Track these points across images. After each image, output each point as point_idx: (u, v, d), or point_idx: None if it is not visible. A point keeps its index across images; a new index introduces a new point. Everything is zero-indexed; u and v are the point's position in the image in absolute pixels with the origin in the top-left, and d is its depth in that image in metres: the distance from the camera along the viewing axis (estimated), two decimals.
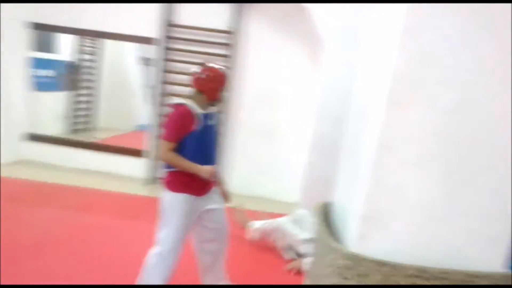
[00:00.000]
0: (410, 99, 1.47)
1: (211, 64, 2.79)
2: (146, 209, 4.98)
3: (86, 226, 4.34)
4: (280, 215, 4.68)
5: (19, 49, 6.32)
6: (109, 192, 5.54)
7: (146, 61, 9.72)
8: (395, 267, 1.49)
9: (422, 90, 1.47)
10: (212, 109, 2.84)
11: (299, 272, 3.78)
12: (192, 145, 2.67)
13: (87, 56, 8.06)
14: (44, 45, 6.99)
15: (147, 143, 6.22)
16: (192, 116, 2.64)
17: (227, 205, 3.03)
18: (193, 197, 2.73)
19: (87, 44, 7.96)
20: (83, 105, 8.21)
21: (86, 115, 8.33)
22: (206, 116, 2.73)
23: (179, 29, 5.92)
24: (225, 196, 3.03)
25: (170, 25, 5.91)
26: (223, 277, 3.05)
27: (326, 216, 2.05)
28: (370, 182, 1.55)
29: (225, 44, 5.86)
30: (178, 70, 6.00)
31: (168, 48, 5.97)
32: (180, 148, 2.66)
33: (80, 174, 6.13)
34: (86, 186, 5.62)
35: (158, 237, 2.74)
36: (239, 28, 5.83)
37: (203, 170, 2.67)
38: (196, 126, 2.65)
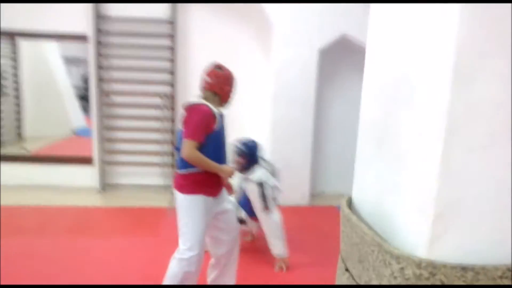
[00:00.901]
0: (477, 72, 1.26)
1: (224, 66, 2.87)
2: (106, 221, 4.58)
3: (45, 249, 3.85)
4: None
5: None
6: (60, 207, 5.01)
7: (71, 61, 9.05)
8: (481, 271, 1.29)
9: (491, 61, 1.26)
10: (222, 111, 2.85)
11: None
12: (212, 145, 2.67)
13: (4, 61, 7.25)
14: None
15: (93, 148, 5.68)
16: (213, 116, 2.65)
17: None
18: (209, 198, 2.72)
19: (3, 47, 7.15)
20: (7, 114, 7.41)
21: (12, 125, 7.54)
22: (222, 116, 2.76)
23: (112, 22, 5.41)
24: (228, 188, 3.05)
25: (101, 17, 5.38)
26: (234, 277, 3.09)
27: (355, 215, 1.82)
28: (437, 173, 1.32)
29: (166, 35, 5.45)
30: (115, 66, 5.52)
31: (101, 43, 5.45)
32: (200, 148, 2.62)
33: (24, 191, 5.51)
34: (34, 204, 5.04)
35: (185, 242, 2.67)
36: (179, 16, 5.43)
37: (224, 169, 2.73)
38: (216, 127, 2.66)
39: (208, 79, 2.79)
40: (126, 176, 5.83)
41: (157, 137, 5.66)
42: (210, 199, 2.72)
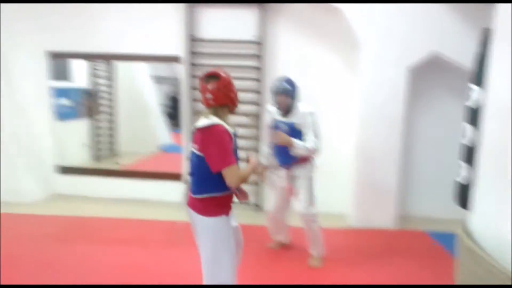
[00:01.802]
0: None
1: (218, 72, 2.64)
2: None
3: (140, 261, 4.07)
4: (327, 230, 4.59)
5: (40, 79, 6.11)
6: (151, 220, 5.27)
7: (158, 80, 9.52)
8: None
9: None
10: (231, 122, 2.72)
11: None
12: None
13: (102, 81, 7.81)
14: (59, 73, 6.75)
15: (182, 164, 5.93)
16: (230, 135, 2.57)
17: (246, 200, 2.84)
18: (228, 217, 2.65)
19: (101, 69, 7.71)
20: (103, 131, 7.96)
21: (107, 142, 8.07)
22: (235, 134, 2.68)
23: (203, 43, 5.68)
24: (244, 194, 2.76)
25: (194, 40, 5.66)
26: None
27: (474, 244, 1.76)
28: None
29: (254, 55, 5.61)
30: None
31: (193, 64, 5.71)
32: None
33: (117, 204, 5.87)
34: (127, 217, 5.35)
35: (219, 272, 2.58)
36: (266, 36, 5.57)
37: (254, 166, 2.72)
38: (233, 145, 2.58)
39: (210, 96, 2.58)
40: None
41: (241, 155, 5.78)
42: (228, 218, 2.65)
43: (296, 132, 3.86)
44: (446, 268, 3.84)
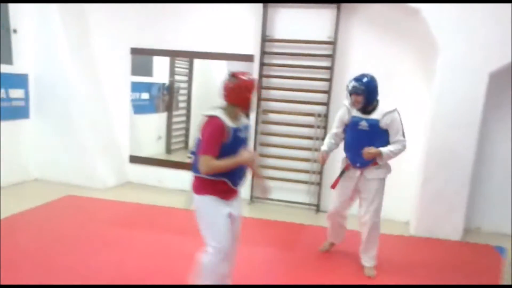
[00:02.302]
0: None
1: (240, 74, 2.81)
2: (252, 231, 4.76)
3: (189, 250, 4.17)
4: (391, 236, 4.52)
5: (122, 74, 6.52)
6: None
7: None
8: None
9: None
10: (245, 121, 2.91)
11: None
12: (225, 156, 2.70)
13: (180, 77, 8.12)
14: (140, 68, 7.12)
15: None
16: (224, 129, 2.69)
17: (267, 197, 3.26)
18: (219, 199, 2.82)
19: (180, 66, 8.01)
20: (177, 125, 8.26)
21: (180, 135, 8.38)
22: (237, 130, 2.77)
23: (277, 43, 5.73)
24: (264, 189, 3.18)
25: (267, 40, 5.73)
26: (228, 276, 3.09)
27: None
28: None
29: (324, 55, 5.57)
30: (275, 86, 5.82)
31: (264, 64, 5.79)
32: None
33: (182, 195, 6.07)
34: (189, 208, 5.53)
35: (209, 241, 2.83)
36: (339, 37, 5.50)
37: (242, 156, 2.74)
38: (226, 139, 2.71)
39: (223, 91, 2.78)
40: (275, 191, 6.01)
41: (307, 155, 5.78)
42: (219, 200, 2.82)
43: (378, 131, 3.68)
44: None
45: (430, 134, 5.01)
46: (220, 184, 2.79)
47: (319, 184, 5.78)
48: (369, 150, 3.59)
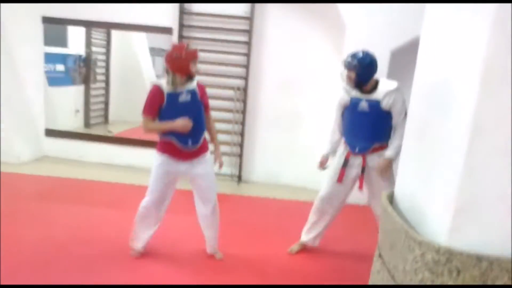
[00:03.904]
0: (502, 81, 1.37)
1: (176, 45, 3.16)
2: (178, 202, 4.89)
3: (119, 222, 4.27)
4: (306, 203, 4.56)
5: (34, 44, 6.24)
6: (136, 185, 5.46)
7: (156, 51, 9.62)
8: (494, 262, 1.40)
9: None
10: (190, 86, 3.17)
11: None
12: (166, 119, 3.07)
13: (97, 49, 7.92)
14: (55, 39, 6.87)
15: None
16: (161, 94, 3.03)
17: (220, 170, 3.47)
18: (171, 159, 3.19)
19: (97, 37, 7.82)
20: (95, 99, 8.10)
21: (99, 109, 8.23)
22: (175, 95, 3.07)
23: (195, 16, 5.79)
24: (219, 160, 3.45)
25: (186, 13, 5.77)
26: (213, 240, 3.57)
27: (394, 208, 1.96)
28: (461, 170, 1.45)
29: (243, 31, 5.73)
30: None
31: (183, 37, 5.83)
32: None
33: (104, 169, 6.09)
34: (112, 181, 5.57)
35: (148, 189, 3.33)
36: (256, 13, 5.68)
37: (175, 124, 3.04)
38: (164, 103, 3.04)
39: (165, 61, 3.09)
40: None
41: (228, 127, 5.97)
42: (168, 158, 3.19)
43: (379, 113, 3.38)
44: None
45: None
46: (169, 144, 3.15)
47: (240, 155, 6.01)
48: (380, 167, 3.38)
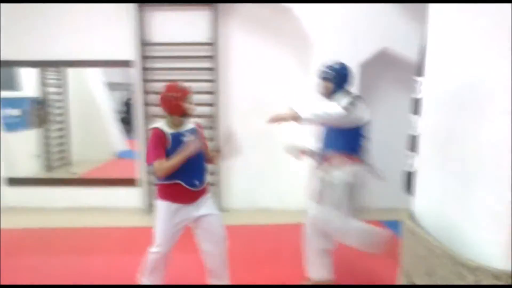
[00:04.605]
0: None
1: (168, 85, 3.06)
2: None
3: (95, 270, 4.01)
4: (287, 226, 4.46)
5: None
6: (108, 228, 5.18)
7: (112, 86, 9.37)
8: None
9: None
10: (189, 126, 3.10)
11: None
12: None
13: (52, 89, 7.60)
14: (7, 83, 6.53)
15: (138, 169, 5.87)
16: (163, 136, 2.94)
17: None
18: (178, 205, 3.02)
19: (52, 77, 7.50)
20: (55, 141, 7.73)
21: (60, 151, 7.86)
22: (178, 135, 2.99)
23: (156, 47, 5.64)
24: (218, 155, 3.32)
25: (146, 44, 5.62)
26: (226, 278, 3.31)
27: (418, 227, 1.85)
28: None
29: (207, 57, 5.62)
30: (159, 90, 5.69)
31: (146, 69, 5.67)
32: None
33: (73, 213, 5.74)
34: (82, 226, 5.25)
35: (155, 240, 3.10)
36: (219, 38, 5.60)
37: (186, 150, 2.89)
38: (168, 145, 2.94)
39: (160, 104, 3.03)
40: None
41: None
42: (178, 205, 3.02)
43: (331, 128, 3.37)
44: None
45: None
46: (176, 187, 2.98)
47: (217, 184, 5.84)
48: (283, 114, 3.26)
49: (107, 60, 5.79)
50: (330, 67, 3.46)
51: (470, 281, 1.42)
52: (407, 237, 1.91)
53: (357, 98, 3.41)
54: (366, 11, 5.13)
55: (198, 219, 3.13)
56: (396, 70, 5.66)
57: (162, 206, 3.06)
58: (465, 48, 1.64)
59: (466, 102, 1.61)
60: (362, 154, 3.46)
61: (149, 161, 2.93)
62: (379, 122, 5.81)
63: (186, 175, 3.00)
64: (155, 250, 3.08)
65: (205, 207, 3.15)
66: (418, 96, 3.14)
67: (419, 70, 3.24)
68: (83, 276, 3.87)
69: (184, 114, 3.02)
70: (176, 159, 2.88)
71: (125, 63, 5.74)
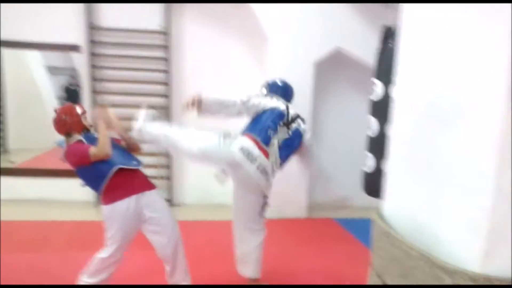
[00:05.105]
0: None
1: (59, 108, 3.00)
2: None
3: (47, 265, 3.77)
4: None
5: None
6: (50, 222, 4.89)
7: (52, 70, 8.87)
8: None
9: None
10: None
11: None
12: (96, 168, 2.82)
13: None
14: None
15: None
16: (80, 142, 2.89)
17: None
18: (126, 198, 2.82)
19: None
20: None
21: None
22: (89, 135, 2.97)
23: (105, 32, 5.35)
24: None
25: (94, 28, 5.31)
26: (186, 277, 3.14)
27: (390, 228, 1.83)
28: (490, 191, 1.35)
29: (160, 46, 5.40)
30: (110, 78, 5.44)
31: (94, 54, 5.37)
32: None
33: (9, 206, 5.33)
34: (20, 219, 4.92)
35: (106, 241, 2.89)
36: (173, 27, 5.40)
37: (97, 115, 2.96)
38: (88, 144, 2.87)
39: (55, 128, 2.96)
40: None
41: (153, 149, 5.59)
42: (127, 200, 2.82)
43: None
44: (358, 253, 4.13)
45: None
46: (119, 178, 2.82)
47: (169, 178, 5.66)
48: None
49: (52, 44, 5.43)
50: (268, 83, 3.84)
51: (447, 282, 1.44)
52: (379, 239, 1.89)
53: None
54: (322, 10, 5.14)
55: (147, 220, 2.95)
56: (351, 71, 5.70)
57: (107, 209, 2.84)
58: (438, 52, 1.63)
59: (439, 106, 1.62)
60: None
61: (86, 159, 2.76)
62: (334, 122, 5.87)
63: (121, 158, 2.92)
64: (107, 251, 2.87)
65: (151, 203, 2.96)
66: (376, 99, 3.16)
67: (376, 72, 3.27)
68: (31, 271, 3.63)
69: (82, 128, 2.97)
70: (101, 136, 2.80)
71: (72, 48, 5.42)
